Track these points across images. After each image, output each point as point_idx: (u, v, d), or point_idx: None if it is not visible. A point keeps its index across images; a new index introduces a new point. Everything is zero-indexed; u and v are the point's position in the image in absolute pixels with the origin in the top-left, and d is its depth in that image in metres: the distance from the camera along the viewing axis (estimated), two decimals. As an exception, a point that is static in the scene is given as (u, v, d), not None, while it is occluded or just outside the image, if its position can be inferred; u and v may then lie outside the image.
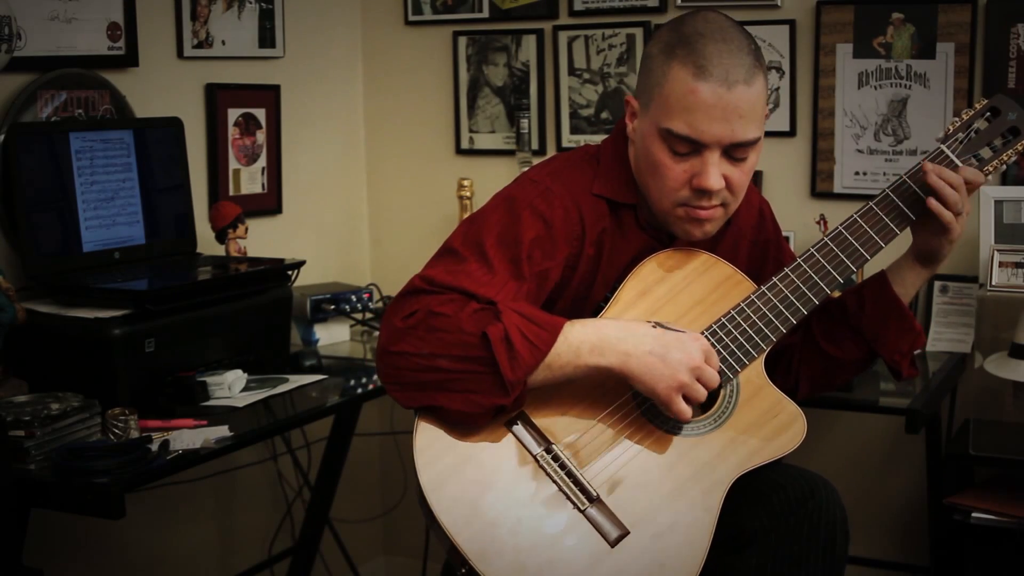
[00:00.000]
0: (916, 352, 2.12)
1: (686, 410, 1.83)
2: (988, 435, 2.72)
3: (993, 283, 2.74)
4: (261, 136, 3.21)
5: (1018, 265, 2.74)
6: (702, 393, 1.84)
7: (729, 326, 1.94)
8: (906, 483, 3.05)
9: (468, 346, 1.78)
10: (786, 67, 3.05)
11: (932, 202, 1.95)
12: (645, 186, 1.96)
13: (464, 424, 1.84)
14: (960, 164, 1.99)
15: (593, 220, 1.96)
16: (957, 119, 2.03)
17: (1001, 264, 2.74)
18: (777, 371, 2.11)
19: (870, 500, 3.07)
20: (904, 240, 2.05)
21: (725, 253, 2.06)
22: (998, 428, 2.80)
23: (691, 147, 1.88)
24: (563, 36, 3.29)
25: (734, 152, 1.89)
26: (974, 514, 2.61)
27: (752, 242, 2.15)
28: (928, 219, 1.97)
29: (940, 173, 1.95)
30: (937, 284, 2.93)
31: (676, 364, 1.81)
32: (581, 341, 1.81)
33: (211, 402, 2.46)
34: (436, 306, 1.81)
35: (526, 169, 2.08)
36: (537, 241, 1.90)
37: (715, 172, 1.87)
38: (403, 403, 1.86)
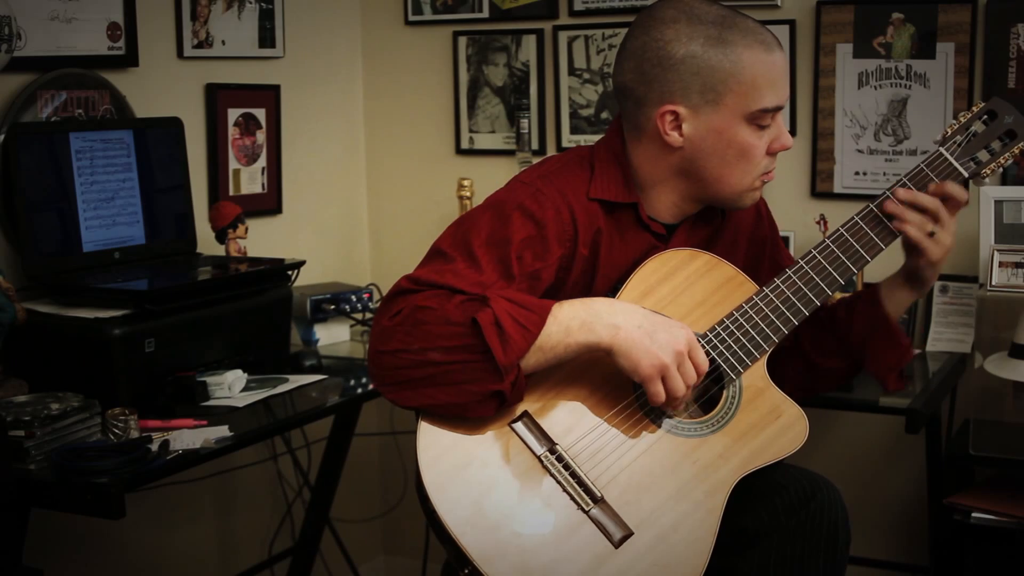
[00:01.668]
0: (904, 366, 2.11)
1: (660, 394, 1.82)
2: (988, 435, 2.72)
3: (993, 283, 2.74)
4: (261, 136, 3.21)
5: (1018, 265, 2.74)
6: (679, 384, 1.82)
7: (732, 327, 1.94)
8: (906, 483, 3.05)
9: (458, 335, 1.77)
10: (786, 67, 3.05)
11: (897, 224, 1.96)
12: (717, 178, 1.95)
13: (460, 417, 1.83)
14: (959, 167, 1.99)
15: (586, 221, 1.95)
16: (955, 122, 2.03)
17: (1001, 264, 2.74)
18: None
19: (870, 500, 3.08)
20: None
21: (724, 249, 2.06)
22: (998, 428, 2.80)
23: (772, 115, 1.94)
24: (563, 36, 3.29)
25: None
26: (974, 514, 2.62)
27: (750, 239, 2.15)
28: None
29: (908, 197, 1.95)
30: (937, 284, 2.92)
31: (663, 343, 1.81)
32: (571, 318, 1.81)
33: (211, 402, 2.46)
34: (421, 301, 1.80)
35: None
36: (527, 242, 1.90)
37: (787, 129, 1.98)
38: (397, 403, 1.85)
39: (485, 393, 1.79)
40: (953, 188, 1.95)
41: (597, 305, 1.84)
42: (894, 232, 1.98)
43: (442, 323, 1.78)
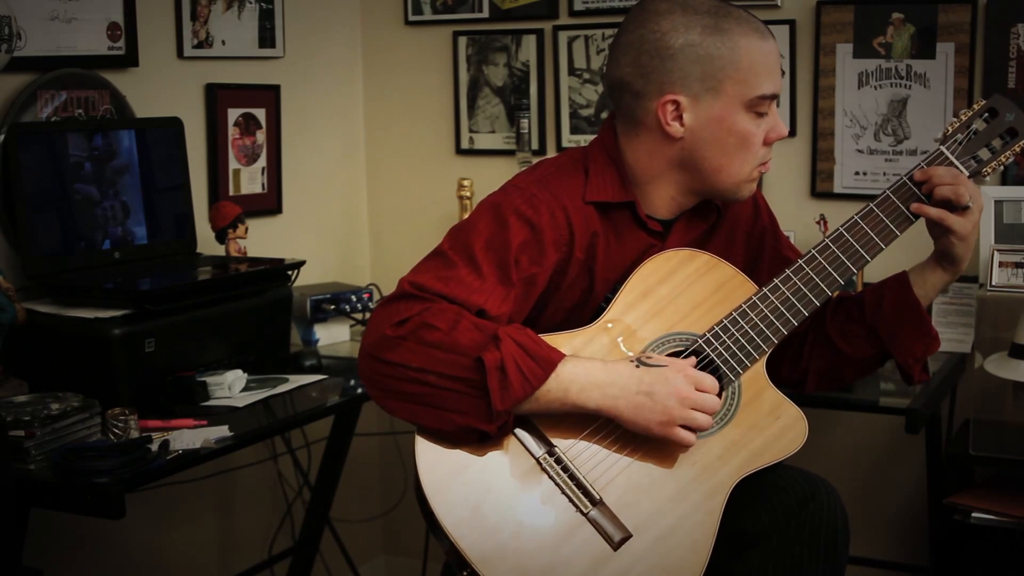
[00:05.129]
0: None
1: (688, 437, 1.83)
2: (988, 435, 2.72)
3: (993, 283, 2.74)
4: (261, 136, 3.21)
5: (1018, 265, 2.74)
6: (700, 419, 1.83)
7: (731, 328, 1.94)
8: (906, 483, 3.05)
9: (460, 367, 1.77)
10: (786, 67, 3.05)
11: (915, 205, 1.96)
12: (717, 168, 1.95)
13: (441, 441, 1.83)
14: (960, 165, 1.99)
15: (582, 225, 1.95)
16: (956, 120, 2.03)
17: (1001, 264, 2.74)
18: (785, 361, 2.11)
19: (870, 500, 3.08)
20: (906, 242, 2.04)
21: (719, 247, 2.06)
22: (998, 428, 2.80)
23: (769, 104, 1.95)
24: (563, 36, 3.29)
25: None
26: (974, 514, 2.62)
27: (748, 233, 2.14)
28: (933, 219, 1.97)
29: (927, 174, 1.96)
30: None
31: (664, 398, 1.82)
32: (571, 381, 1.81)
33: (211, 402, 2.46)
34: (429, 317, 1.79)
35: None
36: (524, 246, 1.89)
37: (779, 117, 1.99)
38: (382, 407, 1.85)
39: (468, 428, 1.80)
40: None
41: (596, 372, 1.83)
42: (895, 232, 1.98)
43: (448, 349, 1.77)
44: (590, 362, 1.85)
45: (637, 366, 1.85)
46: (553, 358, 1.81)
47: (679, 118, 1.93)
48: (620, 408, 1.82)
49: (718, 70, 1.90)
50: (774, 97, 1.95)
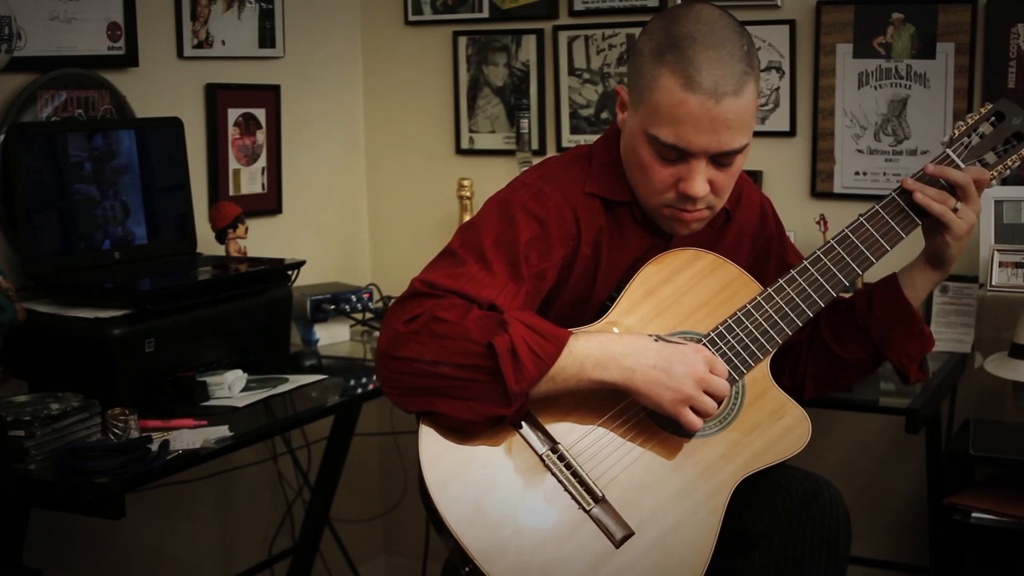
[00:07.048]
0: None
1: (696, 421, 1.83)
2: (988, 435, 2.72)
3: (993, 283, 2.74)
4: (261, 136, 3.21)
5: (1018, 265, 2.74)
6: (710, 404, 1.83)
7: (735, 328, 1.94)
8: (906, 483, 3.05)
9: (473, 355, 1.77)
10: (786, 67, 3.06)
11: (918, 196, 1.96)
12: (633, 180, 1.96)
13: (462, 430, 1.83)
14: (962, 165, 1.99)
15: (588, 219, 1.96)
16: (962, 123, 2.03)
17: (1001, 264, 2.74)
18: (783, 370, 2.11)
19: (870, 500, 3.08)
20: (909, 244, 2.05)
21: (727, 250, 2.06)
22: (998, 428, 2.80)
23: (678, 154, 1.87)
24: (563, 36, 3.29)
25: (720, 159, 1.89)
26: (974, 514, 2.62)
27: (754, 239, 2.15)
28: (931, 218, 1.97)
29: (936, 172, 1.97)
30: (937, 284, 2.92)
31: (681, 377, 1.81)
32: (586, 355, 1.81)
33: (211, 402, 2.46)
34: (439, 311, 1.80)
35: (519, 173, 2.07)
36: (533, 242, 1.90)
37: (700, 180, 1.88)
38: (402, 407, 1.85)
39: (488, 414, 1.80)
40: (957, 175, 1.96)
41: (611, 344, 1.83)
42: (900, 234, 1.98)
43: (459, 339, 1.77)
44: (603, 335, 1.86)
45: (655, 340, 1.85)
46: (562, 334, 1.81)
47: (623, 110, 1.96)
48: (636, 381, 1.81)
49: (639, 89, 1.90)
50: (676, 149, 1.86)
